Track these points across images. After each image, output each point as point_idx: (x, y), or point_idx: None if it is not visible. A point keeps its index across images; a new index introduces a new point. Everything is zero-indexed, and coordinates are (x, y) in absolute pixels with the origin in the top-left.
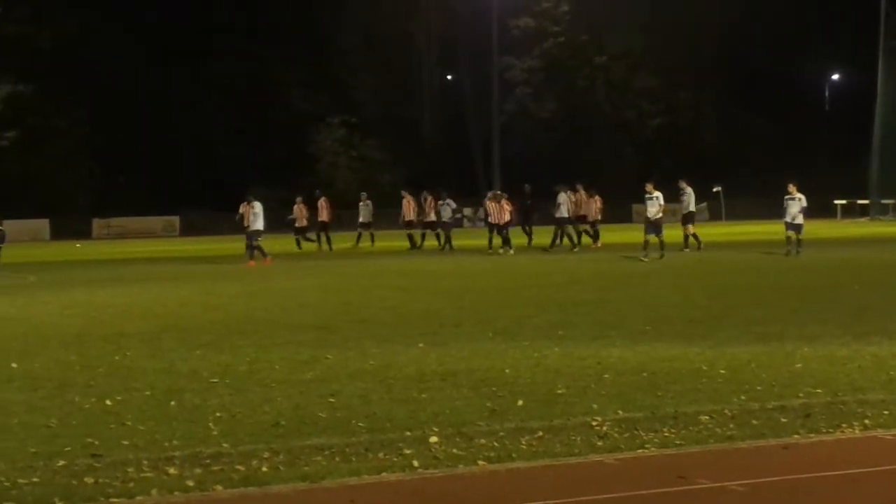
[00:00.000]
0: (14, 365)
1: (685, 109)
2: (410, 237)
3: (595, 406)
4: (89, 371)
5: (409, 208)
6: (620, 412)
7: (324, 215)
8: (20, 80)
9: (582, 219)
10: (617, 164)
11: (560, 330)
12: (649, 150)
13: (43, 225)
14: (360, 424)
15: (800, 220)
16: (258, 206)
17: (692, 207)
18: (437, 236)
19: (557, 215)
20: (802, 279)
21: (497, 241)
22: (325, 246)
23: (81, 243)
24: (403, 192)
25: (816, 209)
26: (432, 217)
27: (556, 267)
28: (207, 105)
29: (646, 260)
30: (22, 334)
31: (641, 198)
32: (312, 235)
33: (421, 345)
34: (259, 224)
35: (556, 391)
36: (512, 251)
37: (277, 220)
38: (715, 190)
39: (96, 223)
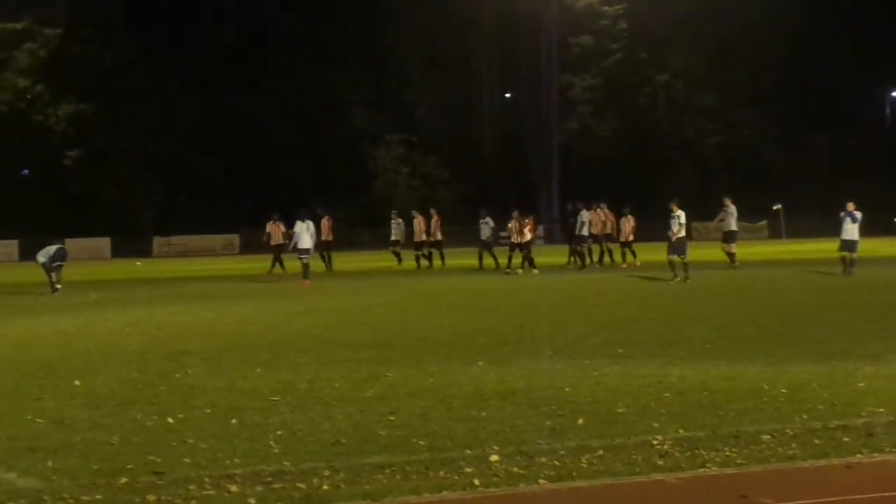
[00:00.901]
0: (77, 382)
1: (744, 127)
2: (428, 256)
3: (656, 425)
4: (151, 389)
5: (420, 228)
6: (681, 431)
7: (327, 236)
8: (83, 100)
9: (608, 237)
10: (676, 181)
11: (619, 348)
12: (708, 167)
13: (104, 243)
14: (421, 443)
15: (855, 236)
16: (300, 226)
17: (734, 226)
18: (429, 256)
19: (578, 233)
20: (863, 297)
21: (517, 260)
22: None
23: (142, 261)
24: (414, 212)
25: (876, 227)
26: (438, 236)
27: (612, 285)
28: (267, 123)
29: (671, 283)
30: (84, 352)
31: (702, 215)
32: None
33: (480, 363)
34: (303, 242)
35: (616, 410)
36: (532, 271)
37: (337, 239)
38: (774, 208)
39: (157, 241)
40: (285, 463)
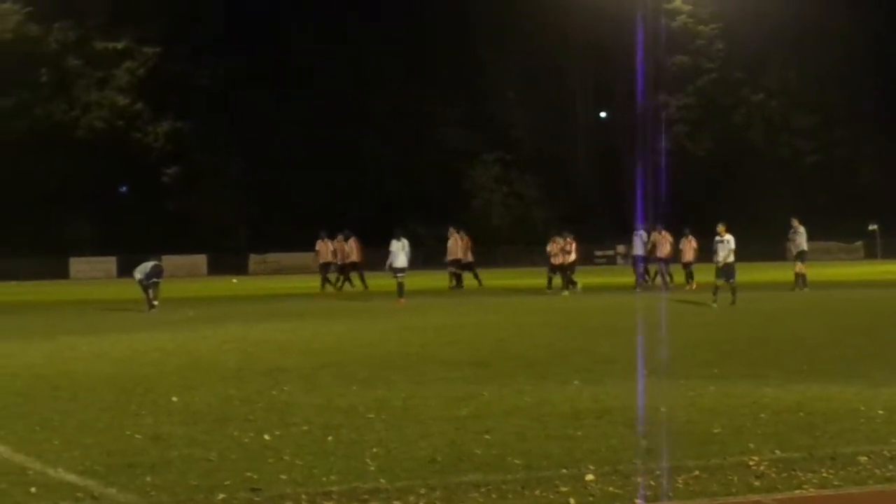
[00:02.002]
0: (174, 398)
1: (841, 147)
2: (457, 276)
3: (752, 445)
4: (248, 405)
5: (456, 246)
6: (777, 452)
7: (354, 255)
8: (179, 118)
9: (659, 258)
10: (771, 201)
11: (715, 368)
12: (804, 187)
13: (201, 260)
14: (516, 461)
15: None
16: (395, 245)
17: (804, 246)
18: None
19: (633, 253)
20: None
21: (557, 281)
22: (358, 285)
23: (238, 279)
24: (451, 230)
25: None
26: (459, 255)
27: (698, 305)
28: (362, 142)
29: (714, 306)
30: (181, 368)
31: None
32: (331, 276)
33: (575, 382)
34: (398, 261)
35: (711, 430)
36: (577, 290)
37: (430, 258)
38: (871, 228)
39: (253, 259)
40: (381, 480)
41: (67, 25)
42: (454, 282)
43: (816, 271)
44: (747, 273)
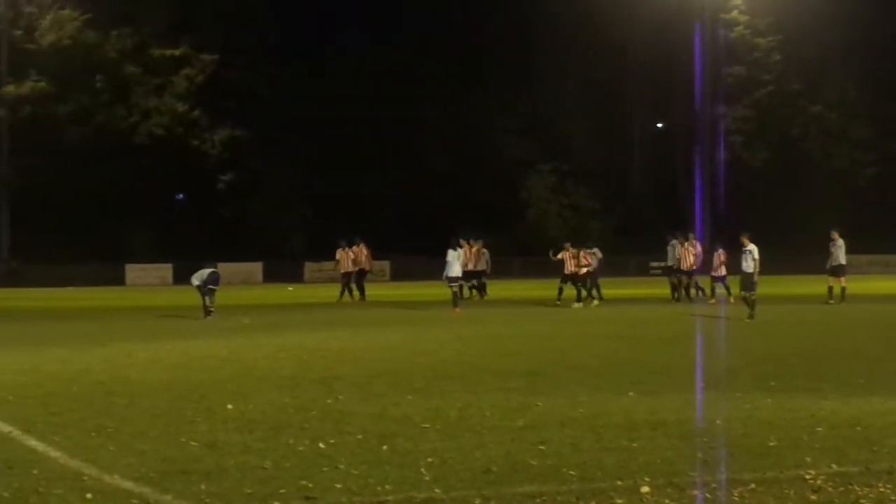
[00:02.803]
0: (229, 406)
1: None
2: (478, 287)
3: (808, 459)
4: (302, 414)
5: (468, 256)
6: (834, 466)
7: (365, 264)
8: (237, 125)
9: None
10: (829, 212)
11: (772, 381)
12: (862, 199)
13: (256, 268)
14: (571, 472)
15: None
16: (451, 254)
17: (842, 260)
18: (477, 287)
19: (668, 265)
20: None
21: (571, 292)
22: (356, 295)
23: (293, 287)
24: (462, 241)
25: None
26: (471, 266)
27: (759, 317)
28: (419, 150)
29: (750, 320)
30: (236, 376)
31: (856, 248)
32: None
33: (631, 393)
34: (453, 270)
35: (768, 443)
36: (596, 301)
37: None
38: None
39: (308, 267)
40: (436, 490)
41: (125, 32)
42: (478, 293)
43: (874, 284)
44: (802, 285)
